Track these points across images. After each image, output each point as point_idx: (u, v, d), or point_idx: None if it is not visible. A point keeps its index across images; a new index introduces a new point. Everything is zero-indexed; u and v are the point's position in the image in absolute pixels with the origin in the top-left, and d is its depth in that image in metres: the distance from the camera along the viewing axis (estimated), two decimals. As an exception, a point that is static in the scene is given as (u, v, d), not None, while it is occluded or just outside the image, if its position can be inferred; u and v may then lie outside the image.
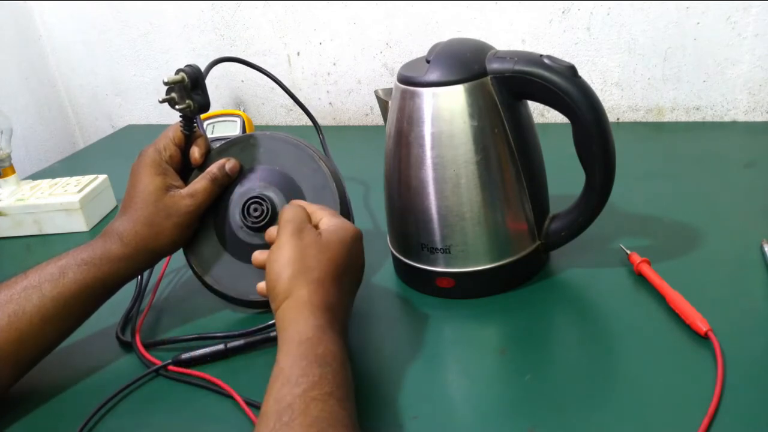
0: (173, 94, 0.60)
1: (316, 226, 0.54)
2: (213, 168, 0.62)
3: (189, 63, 0.62)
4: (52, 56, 1.37)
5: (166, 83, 0.59)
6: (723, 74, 0.94)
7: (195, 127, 0.64)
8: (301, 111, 0.74)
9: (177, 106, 0.60)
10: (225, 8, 1.19)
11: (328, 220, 0.54)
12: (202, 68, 0.63)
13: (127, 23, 1.28)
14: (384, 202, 0.65)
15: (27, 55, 1.33)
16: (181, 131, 0.63)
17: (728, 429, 0.43)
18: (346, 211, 0.64)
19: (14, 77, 1.29)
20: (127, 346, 0.61)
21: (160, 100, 0.61)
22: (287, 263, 0.50)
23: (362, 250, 0.56)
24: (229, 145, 0.65)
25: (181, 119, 0.62)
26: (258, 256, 0.58)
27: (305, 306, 0.48)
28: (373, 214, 0.80)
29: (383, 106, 0.64)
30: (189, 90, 0.60)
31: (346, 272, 0.52)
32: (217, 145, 0.66)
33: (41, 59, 1.36)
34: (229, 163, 0.63)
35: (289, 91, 0.75)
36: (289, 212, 0.54)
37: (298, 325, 0.47)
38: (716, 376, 0.47)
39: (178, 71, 0.60)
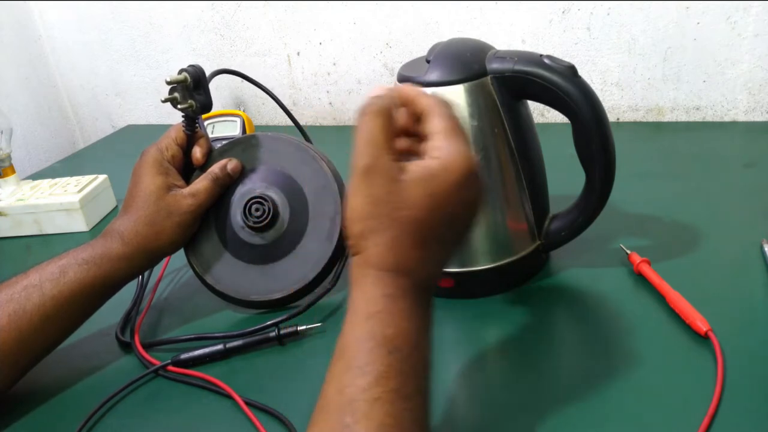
0: (176, 94, 0.61)
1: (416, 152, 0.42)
2: (215, 168, 0.62)
3: (190, 63, 0.62)
4: (52, 56, 1.37)
5: (168, 83, 0.59)
6: (723, 74, 0.94)
7: (197, 127, 0.64)
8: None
9: (179, 106, 0.60)
10: (225, 8, 1.19)
11: (433, 146, 0.40)
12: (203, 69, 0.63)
13: (127, 23, 1.28)
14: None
15: (27, 55, 1.33)
16: (184, 131, 0.63)
17: (728, 429, 0.43)
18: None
19: (14, 77, 1.29)
20: (127, 347, 0.61)
21: (163, 99, 0.61)
22: (359, 216, 0.40)
23: (474, 191, 0.41)
24: (231, 146, 0.65)
25: (183, 119, 0.63)
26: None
27: (373, 269, 0.39)
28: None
29: (383, 106, 0.64)
30: (191, 90, 0.60)
31: (438, 227, 0.40)
32: (217, 145, 0.67)
33: (41, 59, 1.36)
34: (230, 164, 0.63)
35: (281, 102, 0.74)
36: (362, 131, 0.40)
37: (365, 292, 0.39)
38: (716, 376, 0.47)
39: (180, 71, 0.60)
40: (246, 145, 0.65)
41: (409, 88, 0.44)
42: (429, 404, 0.38)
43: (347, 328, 0.39)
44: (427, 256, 0.40)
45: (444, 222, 0.40)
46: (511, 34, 1.02)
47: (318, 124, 1.22)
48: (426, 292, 0.41)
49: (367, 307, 0.39)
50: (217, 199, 0.63)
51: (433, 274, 0.42)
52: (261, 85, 0.72)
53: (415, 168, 0.39)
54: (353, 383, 0.36)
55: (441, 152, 0.40)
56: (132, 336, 0.61)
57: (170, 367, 0.56)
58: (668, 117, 1.00)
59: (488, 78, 0.56)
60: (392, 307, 0.38)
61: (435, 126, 0.41)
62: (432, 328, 0.41)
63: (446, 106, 0.42)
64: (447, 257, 0.43)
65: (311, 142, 0.71)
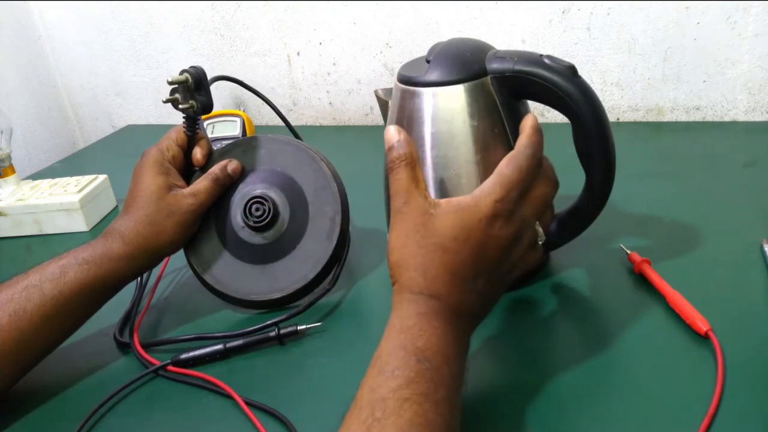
0: (177, 95, 0.61)
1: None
2: (215, 168, 0.62)
3: (190, 64, 0.62)
4: (52, 56, 1.37)
5: (170, 83, 0.59)
6: (723, 74, 0.94)
7: (197, 128, 0.64)
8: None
9: (180, 106, 0.61)
10: (225, 8, 1.19)
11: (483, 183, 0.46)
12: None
13: (127, 23, 1.28)
14: (384, 202, 0.65)
15: (27, 55, 1.33)
16: (184, 132, 0.63)
17: (728, 429, 0.43)
18: (345, 211, 0.64)
19: (14, 77, 1.29)
20: (125, 347, 0.61)
21: (164, 100, 0.61)
22: (394, 248, 0.45)
23: (505, 233, 0.45)
24: (232, 147, 0.65)
25: (184, 120, 0.63)
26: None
27: (408, 292, 0.43)
28: (373, 214, 0.80)
29: (383, 106, 0.64)
30: (192, 91, 0.61)
31: (468, 259, 0.44)
32: (217, 145, 0.67)
33: (41, 59, 1.36)
34: (231, 164, 0.63)
35: (275, 107, 0.74)
36: (394, 184, 0.46)
37: (400, 311, 0.43)
38: (716, 376, 0.47)
39: (182, 72, 0.60)
40: (246, 146, 0.65)
41: (531, 121, 0.50)
42: (459, 418, 0.40)
43: (382, 341, 0.41)
44: (459, 284, 0.44)
45: (475, 254, 0.44)
46: (511, 34, 1.02)
47: (318, 124, 1.22)
48: (461, 318, 0.44)
49: (401, 322, 0.42)
50: (217, 200, 0.63)
51: (470, 304, 0.44)
52: (257, 91, 0.72)
53: (446, 203, 0.45)
54: (385, 384, 0.38)
55: (478, 192, 0.45)
56: (131, 336, 0.61)
57: (170, 367, 0.56)
58: (668, 117, 1.00)
59: (488, 78, 0.56)
60: (424, 323, 0.41)
61: (498, 166, 0.46)
62: (466, 351, 0.44)
63: (526, 154, 0.47)
64: (487, 292, 0.45)
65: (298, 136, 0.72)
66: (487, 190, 0.45)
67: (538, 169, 0.48)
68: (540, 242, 0.48)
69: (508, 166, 0.46)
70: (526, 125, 0.49)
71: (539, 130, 0.49)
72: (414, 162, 0.46)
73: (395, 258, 0.44)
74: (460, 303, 0.44)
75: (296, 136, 0.70)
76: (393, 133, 0.47)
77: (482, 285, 0.45)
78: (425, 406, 0.37)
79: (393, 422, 0.36)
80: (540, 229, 0.48)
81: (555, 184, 0.50)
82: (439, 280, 0.43)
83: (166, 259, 0.65)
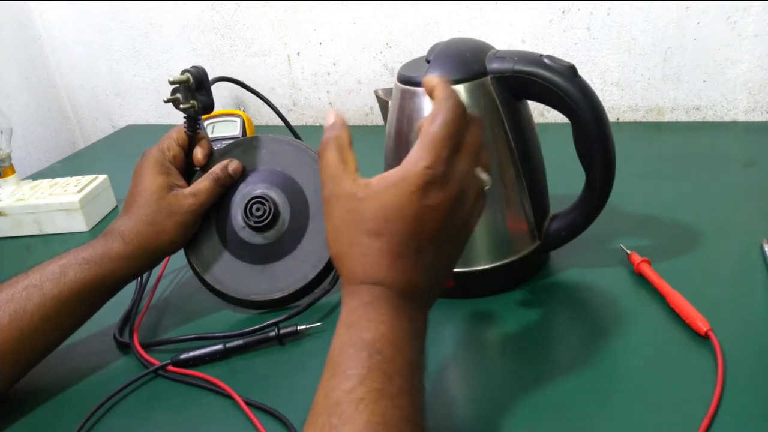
0: (178, 95, 0.61)
1: None
2: (216, 168, 0.62)
3: (191, 64, 0.62)
4: (52, 56, 1.37)
5: (171, 82, 0.59)
6: (723, 74, 0.94)
7: (198, 128, 0.64)
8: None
9: (182, 106, 0.61)
10: (225, 8, 1.19)
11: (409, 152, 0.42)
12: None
13: (127, 23, 1.28)
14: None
15: (27, 55, 1.33)
16: (185, 132, 0.63)
17: (728, 429, 0.43)
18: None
19: (14, 77, 1.29)
20: (125, 347, 0.61)
21: (165, 99, 0.61)
22: (329, 240, 0.42)
23: (438, 200, 0.40)
24: (232, 147, 0.65)
25: (184, 120, 0.63)
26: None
27: (349, 284, 0.41)
28: (373, 214, 0.80)
29: (383, 106, 0.64)
30: (194, 91, 0.60)
31: (405, 236, 0.40)
32: (217, 145, 0.67)
33: (41, 59, 1.36)
34: (231, 164, 0.63)
35: (275, 108, 0.74)
36: (321, 167, 0.43)
37: (346, 304, 0.41)
38: (716, 376, 0.47)
39: (183, 72, 0.60)
40: (247, 146, 0.65)
41: (436, 80, 0.43)
42: (421, 405, 0.38)
43: (333, 340, 0.40)
44: (402, 266, 0.40)
45: (414, 231, 0.40)
46: (511, 34, 1.02)
47: (318, 124, 1.22)
48: (412, 299, 0.41)
49: (348, 317, 0.40)
50: (217, 199, 0.63)
51: (420, 282, 0.42)
52: (257, 91, 0.72)
53: (377, 181, 0.41)
54: (338, 387, 0.37)
55: (405, 162, 0.40)
56: (131, 336, 0.61)
57: (170, 367, 0.56)
58: (668, 117, 1.00)
59: (488, 78, 0.56)
60: (370, 313, 0.39)
61: (422, 129, 0.41)
62: (422, 333, 0.41)
63: (447, 107, 0.41)
64: (438, 264, 0.42)
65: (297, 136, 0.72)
66: (415, 158, 0.40)
67: (465, 117, 0.42)
68: (487, 187, 0.44)
69: (432, 124, 0.41)
70: (433, 83, 0.43)
71: (447, 80, 0.44)
72: (342, 144, 0.43)
73: (333, 251, 0.42)
74: (408, 284, 0.41)
75: (296, 136, 0.70)
76: (328, 118, 0.44)
77: (430, 259, 0.41)
78: (381, 403, 0.36)
79: (350, 427, 0.35)
80: (483, 175, 0.44)
81: (480, 121, 0.46)
82: (380, 266, 0.40)
83: (166, 259, 0.65)
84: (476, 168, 0.43)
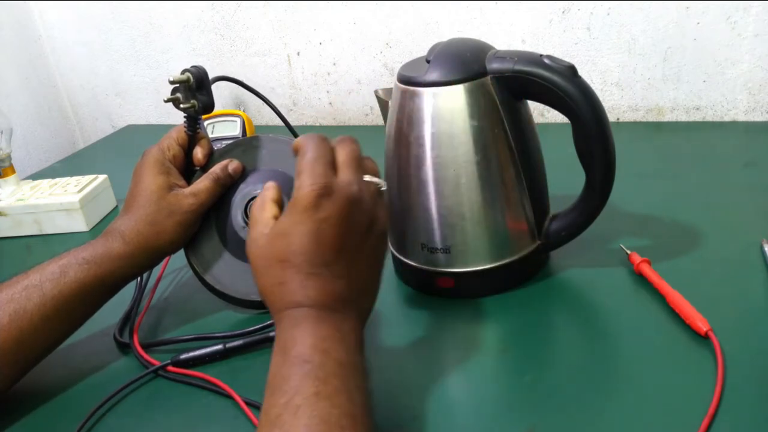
0: (178, 94, 0.61)
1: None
2: (216, 168, 0.62)
3: (191, 64, 0.62)
4: (52, 56, 1.37)
5: (171, 82, 0.59)
6: (723, 74, 0.94)
7: (198, 128, 0.64)
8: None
9: (182, 106, 0.60)
10: (225, 8, 1.19)
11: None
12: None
13: (127, 23, 1.28)
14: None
15: (27, 55, 1.33)
16: (185, 132, 0.63)
17: (728, 429, 0.43)
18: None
19: (14, 77, 1.29)
20: (125, 347, 0.61)
21: (165, 99, 0.61)
22: (255, 280, 0.47)
23: (333, 208, 0.43)
24: (232, 147, 0.65)
25: (185, 120, 0.63)
26: None
27: (274, 314, 0.45)
28: (373, 214, 0.80)
29: (383, 106, 0.64)
30: (194, 90, 0.60)
31: (311, 259, 0.43)
32: (217, 145, 0.67)
33: (41, 59, 1.36)
34: (231, 164, 0.63)
35: (275, 108, 0.74)
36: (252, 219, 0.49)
37: (276, 334, 0.44)
38: (716, 376, 0.47)
39: (183, 71, 0.60)
40: (247, 146, 0.65)
41: (296, 141, 0.47)
42: (362, 401, 0.40)
43: (270, 367, 0.42)
44: (314, 283, 0.43)
45: (314, 248, 0.43)
46: (511, 34, 1.02)
47: (318, 125, 1.22)
48: (334, 309, 0.43)
49: (278, 344, 0.43)
50: (218, 199, 0.63)
51: (338, 292, 0.44)
52: (257, 91, 0.71)
53: (280, 217, 0.46)
54: (276, 403, 0.39)
55: (294, 191, 0.44)
56: (131, 336, 0.61)
57: (170, 368, 0.56)
58: (668, 117, 1.00)
59: (488, 78, 0.56)
60: (294, 332, 0.42)
61: (297, 167, 0.45)
62: (352, 335, 0.43)
63: (305, 142, 0.46)
64: (353, 270, 0.45)
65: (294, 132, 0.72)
66: (297, 185, 0.44)
67: (325, 141, 0.46)
68: (382, 189, 0.47)
69: (300, 158, 0.45)
70: (297, 143, 0.47)
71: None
72: (266, 198, 0.48)
73: (258, 289, 0.46)
74: (327, 296, 0.43)
75: (296, 136, 0.70)
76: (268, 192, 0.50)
77: (344, 267, 0.44)
78: (319, 405, 0.38)
79: None
80: (374, 179, 0.47)
81: (348, 139, 0.48)
82: (294, 291, 0.43)
83: (166, 259, 0.65)
84: (363, 176, 0.46)
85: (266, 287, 0.45)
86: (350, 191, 0.44)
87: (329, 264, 0.43)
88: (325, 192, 0.43)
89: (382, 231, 0.47)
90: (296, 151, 0.46)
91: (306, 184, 0.43)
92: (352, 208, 0.44)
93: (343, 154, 0.46)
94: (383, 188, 0.47)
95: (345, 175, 0.45)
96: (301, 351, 0.41)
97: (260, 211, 0.48)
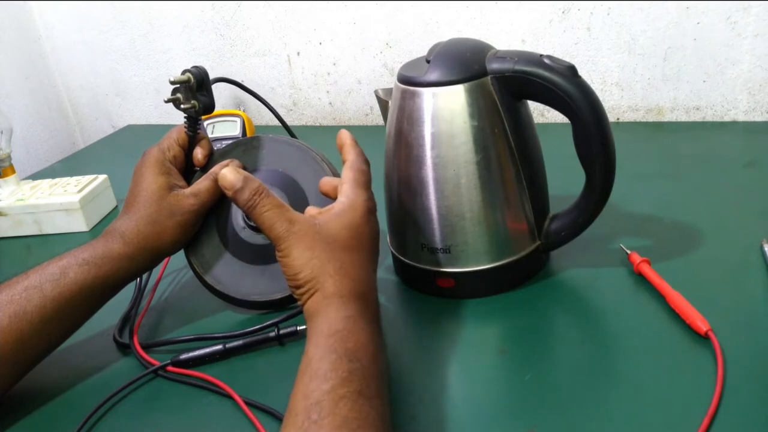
0: (178, 95, 0.61)
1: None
2: (216, 168, 0.62)
3: (191, 64, 0.62)
4: (52, 56, 1.37)
5: (172, 82, 0.59)
6: (723, 74, 0.94)
7: (199, 128, 0.64)
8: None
9: (182, 106, 0.60)
10: (225, 8, 1.19)
11: (343, 190, 0.52)
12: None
13: (127, 23, 1.28)
14: (384, 202, 0.65)
15: (27, 55, 1.33)
16: (185, 132, 0.63)
17: (728, 429, 0.43)
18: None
19: (14, 77, 1.29)
20: (125, 348, 0.61)
21: (166, 99, 0.61)
22: (301, 265, 0.48)
23: (376, 222, 0.52)
24: (232, 147, 0.65)
25: (185, 120, 0.63)
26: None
27: (333, 297, 0.46)
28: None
29: (383, 106, 0.64)
30: (194, 91, 0.60)
31: (360, 252, 0.49)
32: (217, 145, 0.67)
33: (41, 59, 1.36)
34: (232, 165, 0.63)
35: (273, 109, 0.73)
36: (262, 225, 0.50)
37: (327, 316, 0.45)
38: (716, 376, 0.47)
39: (184, 72, 0.60)
40: (247, 146, 0.65)
41: (347, 137, 0.55)
42: (389, 407, 0.43)
43: (310, 347, 0.44)
44: (368, 277, 0.49)
45: (369, 247, 0.50)
46: (511, 34, 1.02)
47: (318, 125, 1.22)
48: (376, 313, 0.49)
49: (329, 327, 0.44)
50: (218, 200, 0.63)
51: (373, 292, 0.50)
52: (256, 93, 0.71)
53: (322, 213, 0.50)
54: (318, 388, 0.40)
55: (347, 196, 0.51)
56: (131, 337, 0.61)
57: (170, 368, 0.56)
58: (668, 117, 1.00)
59: (488, 78, 0.56)
60: (351, 325, 0.45)
61: (346, 175, 0.52)
62: (385, 347, 0.48)
63: (361, 160, 0.53)
64: (370, 277, 0.50)
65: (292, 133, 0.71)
66: (354, 194, 0.51)
67: (363, 157, 0.54)
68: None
69: (355, 171, 0.52)
70: (343, 138, 0.55)
71: (355, 141, 0.55)
72: (267, 191, 0.50)
73: (307, 273, 0.47)
74: (374, 293, 0.50)
75: (293, 136, 0.70)
76: (232, 176, 0.49)
77: (372, 272, 0.51)
78: (360, 401, 0.40)
79: (329, 422, 0.38)
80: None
81: (363, 157, 0.55)
82: (359, 279, 0.48)
83: (166, 259, 0.65)
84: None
85: (323, 267, 0.47)
86: (374, 206, 0.53)
87: (370, 266, 0.50)
88: (374, 209, 0.52)
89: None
90: (341, 148, 0.54)
91: (364, 197, 0.51)
92: (378, 226, 0.53)
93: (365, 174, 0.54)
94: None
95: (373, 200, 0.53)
96: (355, 348, 0.43)
97: (278, 206, 0.49)
